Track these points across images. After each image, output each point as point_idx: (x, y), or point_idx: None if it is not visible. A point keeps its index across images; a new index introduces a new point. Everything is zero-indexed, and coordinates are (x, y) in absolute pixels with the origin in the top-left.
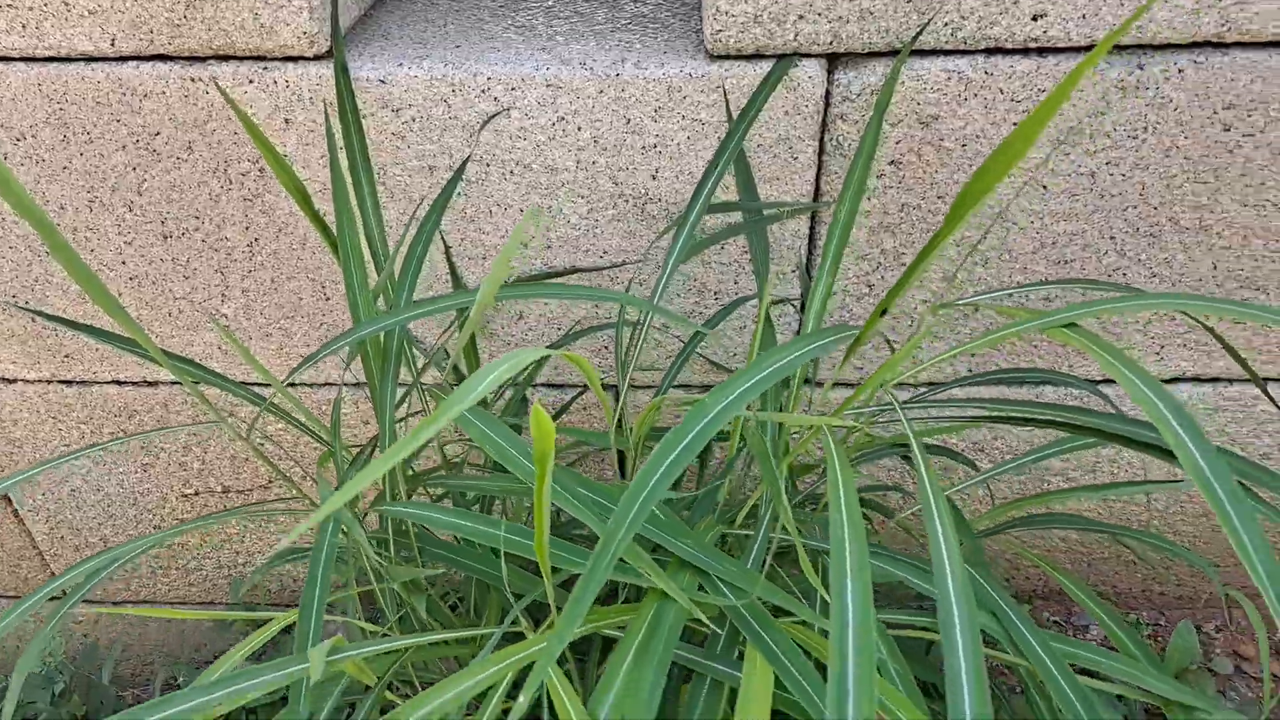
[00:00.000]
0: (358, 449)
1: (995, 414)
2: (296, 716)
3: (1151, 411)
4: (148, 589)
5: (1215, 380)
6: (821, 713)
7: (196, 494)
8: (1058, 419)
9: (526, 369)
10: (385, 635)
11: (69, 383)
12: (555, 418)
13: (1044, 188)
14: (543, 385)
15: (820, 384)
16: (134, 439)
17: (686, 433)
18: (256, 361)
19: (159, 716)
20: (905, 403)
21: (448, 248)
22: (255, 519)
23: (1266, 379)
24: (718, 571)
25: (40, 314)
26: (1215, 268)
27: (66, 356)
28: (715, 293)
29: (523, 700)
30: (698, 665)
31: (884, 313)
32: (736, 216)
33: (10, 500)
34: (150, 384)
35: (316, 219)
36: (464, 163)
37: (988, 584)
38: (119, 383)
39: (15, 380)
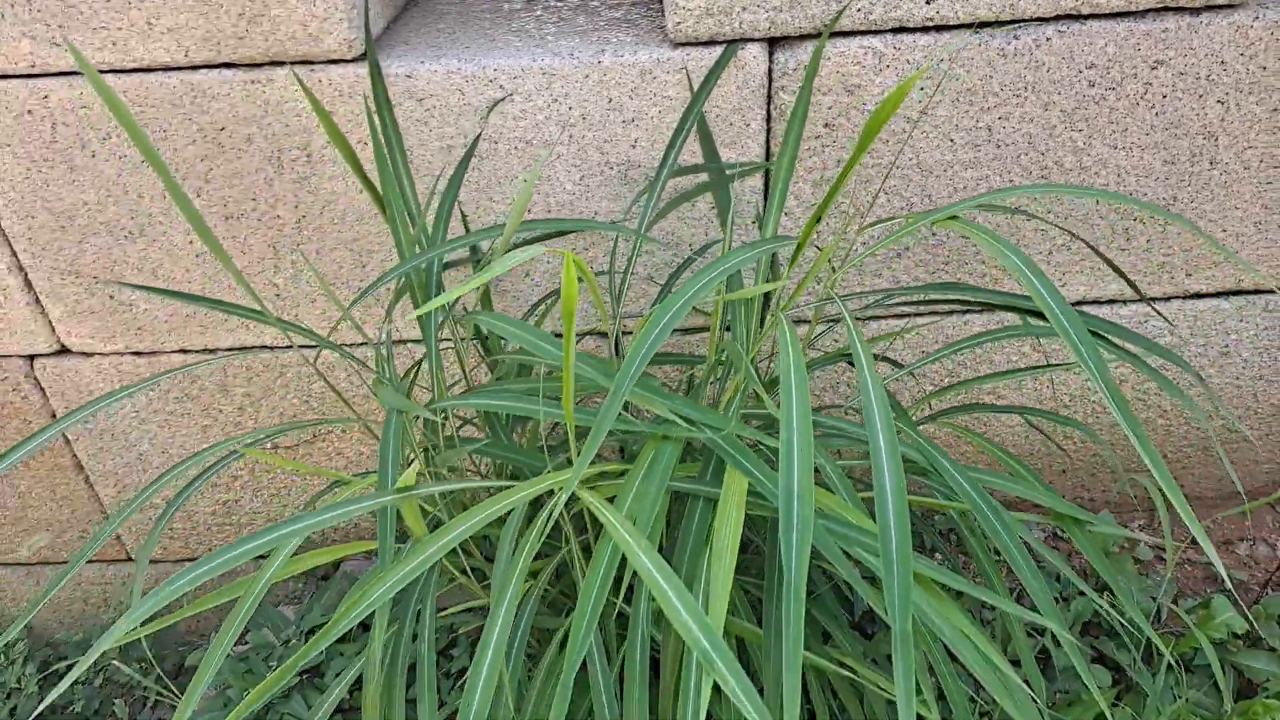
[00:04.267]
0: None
1: (922, 299)
2: (386, 538)
3: (1018, 275)
4: (204, 545)
5: (1111, 302)
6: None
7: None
8: (969, 297)
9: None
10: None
11: (139, 353)
12: None
13: (951, 140)
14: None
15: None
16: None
17: (668, 309)
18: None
19: (263, 540)
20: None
21: (465, 216)
22: (305, 476)
23: (1152, 298)
24: (700, 417)
25: (154, 290)
26: (1098, 203)
27: (139, 329)
28: (690, 244)
29: (561, 496)
30: (691, 489)
31: (819, 220)
32: (704, 177)
33: (82, 467)
34: (210, 351)
35: (367, 182)
36: (477, 137)
37: (917, 436)
38: (184, 351)
39: (93, 354)
